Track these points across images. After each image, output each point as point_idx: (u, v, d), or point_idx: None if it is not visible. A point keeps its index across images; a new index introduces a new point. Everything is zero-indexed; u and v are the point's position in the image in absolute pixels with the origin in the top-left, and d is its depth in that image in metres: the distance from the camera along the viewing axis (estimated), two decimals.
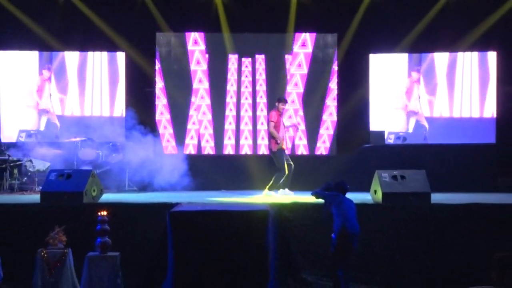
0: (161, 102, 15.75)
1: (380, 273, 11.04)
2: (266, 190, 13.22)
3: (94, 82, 15.75)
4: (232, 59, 15.83)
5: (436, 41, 15.40)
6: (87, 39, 15.74)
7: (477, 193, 13.46)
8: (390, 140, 15.64)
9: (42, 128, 15.81)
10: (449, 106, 15.60)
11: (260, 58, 15.81)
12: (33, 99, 15.91)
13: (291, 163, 13.38)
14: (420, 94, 15.54)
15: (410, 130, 15.68)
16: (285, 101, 13.49)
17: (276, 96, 14.47)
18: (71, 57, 15.82)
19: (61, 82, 15.88)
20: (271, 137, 13.47)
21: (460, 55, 15.50)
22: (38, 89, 15.90)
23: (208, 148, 15.78)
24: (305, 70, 15.80)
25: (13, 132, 15.62)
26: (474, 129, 15.50)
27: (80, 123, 15.30)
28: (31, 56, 15.85)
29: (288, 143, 13.63)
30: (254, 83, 15.71)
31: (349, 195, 10.14)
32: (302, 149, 15.76)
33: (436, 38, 15.38)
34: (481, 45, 15.38)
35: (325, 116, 15.56)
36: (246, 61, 15.81)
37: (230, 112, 15.82)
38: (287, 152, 13.58)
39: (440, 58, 15.62)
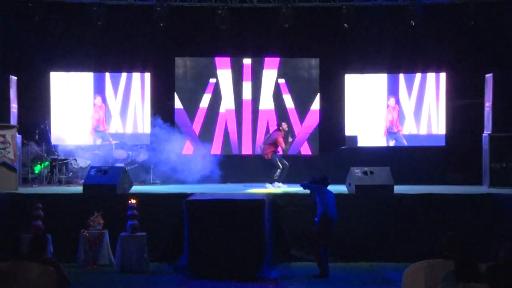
0: (179, 113, 15.45)
1: (353, 249, 11.08)
2: (268, 184, 13.30)
3: (130, 100, 15.31)
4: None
5: (400, 64, 15.22)
6: (119, 61, 15.39)
7: (430, 185, 13.37)
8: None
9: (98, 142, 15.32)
10: (416, 124, 15.25)
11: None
12: (88, 121, 15.26)
13: (286, 163, 13.39)
14: (395, 115, 15.28)
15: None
16: (285, 123, 13.85)
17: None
18: (108, 77, 15.38)
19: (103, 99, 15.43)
20: (267, 146, 13.50)
21: (418, 75, 15.25)
22: (92, 116, 15.25)
23: (216, 149, 15.51)
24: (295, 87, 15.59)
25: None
26: (429, 137, 15.32)
27: (118, 135, 15.16)
28: (81, 77, 15.23)
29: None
30: (256, 95, 15.55)
31: (329, 187, 10.23)
32: (292, 150, 15.60)
33: (399, 61, 15.20)
34: (432, 67, 15.20)
35: (309, 123, 15.39)
36: (247, 84, 15.59)
37: (233, 119, 15.52)
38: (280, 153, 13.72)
39: (405, 79, 15.30)
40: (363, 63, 15.21)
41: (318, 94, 15.31)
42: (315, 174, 10.64)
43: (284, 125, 13.57)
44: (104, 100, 15.29)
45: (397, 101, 15.21)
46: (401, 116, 15.30)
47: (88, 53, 15.15)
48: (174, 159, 14.22)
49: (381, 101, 15.31)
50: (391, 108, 15.20)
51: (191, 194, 11.23)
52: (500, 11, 14.72)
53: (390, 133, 15.27)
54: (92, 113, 15.21)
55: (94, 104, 15.24)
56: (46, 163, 14.21)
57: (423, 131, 15.26)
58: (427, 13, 14.82)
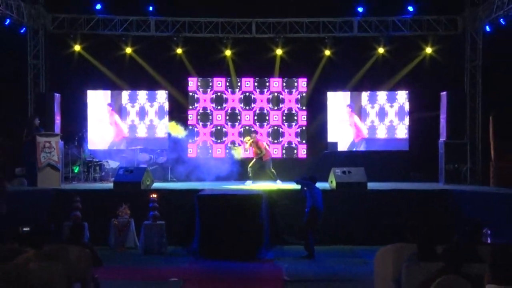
0: (193, 122, 15.43)
1: (335, 236, 11.08)
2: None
3: (152, 111, 15.36)
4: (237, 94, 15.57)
5: (373, 82, 15.19)
6: (137, 81, 15.36)
7: (396, 182, 13.36)
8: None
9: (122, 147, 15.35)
10: (386, 131, 15.27)
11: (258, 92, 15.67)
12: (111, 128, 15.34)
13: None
14: (357, 121, 15.21)
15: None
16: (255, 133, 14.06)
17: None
18: (126, 95, 15.35)
19: (123, 113, 15.39)
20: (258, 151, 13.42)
21: (382, 93, 15.28)
22: (111, 122, 15.26)
23: (218, 152, 15.45)
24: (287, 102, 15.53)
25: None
26: (396, 143, 15.34)
27: (140, 140, 15.15)
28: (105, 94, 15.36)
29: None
30: (255, 110, 15.53)
31: (317, 184, 10.21)
32: (285, 154, 15.56)
33: (372, 80, 15.16)
34: (398, 86, 15.27)
35: (299, 130, 15.40)
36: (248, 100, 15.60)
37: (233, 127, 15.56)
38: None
39: (376, 95, 15.31)
40: (343, 82, 15.17)
41: (305, 108, 15.35)
42: (305, 173, 10.65)
43: (253, 135, 13.55)
44: (123, 112, 15.34)
45: (366, 114, 15.20)
46: (371, 125, 15.26)
47: (118, 73, 15.14)
48: (188, 161, 14.20)
49: (354, 113, 15.22)
50: (359, 120, 15.25)
51: (202, 189, 11.19)
52: (453, 42, 14.75)
53: (361, 139, 15.24)
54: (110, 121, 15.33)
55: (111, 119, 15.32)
56: (82, 164, 14.16)
57: (391, 137, 15.22)
58: (394, 42, 14.86)
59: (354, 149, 15.18)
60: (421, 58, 14.95)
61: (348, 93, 15.24)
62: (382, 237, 10.07)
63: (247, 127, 15.35)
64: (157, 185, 12.55)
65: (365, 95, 15.28)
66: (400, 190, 11.71)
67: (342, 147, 15.19)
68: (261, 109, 15.49)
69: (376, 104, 15.31)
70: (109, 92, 15.37)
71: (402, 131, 15.24)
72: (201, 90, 15.46)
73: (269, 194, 11.23)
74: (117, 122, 15.25)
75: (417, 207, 11.08)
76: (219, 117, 15.47)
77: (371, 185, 11.86)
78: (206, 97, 15.48)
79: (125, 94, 15.40)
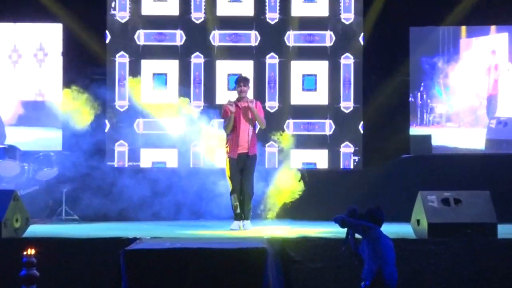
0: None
1: None
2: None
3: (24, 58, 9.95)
4: None
5: None
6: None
7: None
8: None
9: None
10: None
11: None
12: None
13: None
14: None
15: None
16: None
17: None
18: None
19: None
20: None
21: None
22: None
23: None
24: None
25: None
26: None
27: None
28: None
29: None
30: None
31: (384, 228, 6.14)
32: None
33: None
34: None
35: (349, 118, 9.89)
36: None
37: None
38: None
39: None
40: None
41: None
42: (355, 204, 6.53)
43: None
44: None
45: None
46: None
47: None
48: (108, 177, 8.98)
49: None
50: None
51: (135, 239, 7.31)
52: None
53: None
54: None
55: None
56: None
57: None
58: None
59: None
60: None
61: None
62: None
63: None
64: (36, 229, 7.87)
65: None
66: None
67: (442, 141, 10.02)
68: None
69: None
70: None
71: None
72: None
73: (280, 247, 7.38)
74: None
75: None
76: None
77: (505, 230, 7.41)
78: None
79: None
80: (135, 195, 8.93)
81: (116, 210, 8.96)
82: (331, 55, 9.90)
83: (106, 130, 9.51)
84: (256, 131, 8.02)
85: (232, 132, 7.73)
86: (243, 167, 7.74)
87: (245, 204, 7.80)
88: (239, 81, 7.85)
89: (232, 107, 7.66)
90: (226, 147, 7.85)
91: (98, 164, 8.99)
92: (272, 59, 10.06)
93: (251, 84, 8.10)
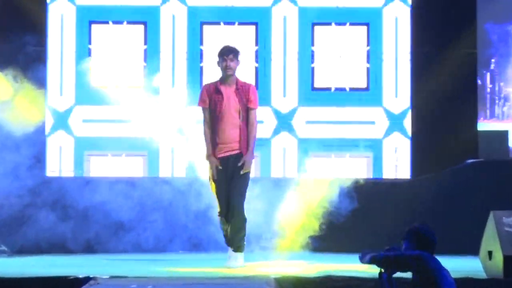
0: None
1: None
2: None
3: None
4: None
5: None
6: None
7: None
8: None
9: None
10: None
11: None
12: None
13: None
14: None
15: None
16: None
17: None
18: None
19: None
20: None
21: None
22: None
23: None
24: None
25: None
26: None
27: None
28: None
29: None
30: None
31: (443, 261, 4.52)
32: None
33: None
34: None
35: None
36: None
37: None
38: None
39: None
40: None
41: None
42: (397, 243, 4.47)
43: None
44: None
45: None
46: None
47: None
48: (52, 193, 7.10)
49: None
50: None
51: (89, 279, 5.37)
52: None
53: None
54: None
55: None
56: None
57: None
58: None
59: None
60: None
61: None
62: None
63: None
64: None
65: None
66: None
67: None
68: None
69: None
70: None
71: None
72: None
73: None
74: None
75: None
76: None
77: None
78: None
79: None
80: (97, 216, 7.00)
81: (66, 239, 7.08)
82: None
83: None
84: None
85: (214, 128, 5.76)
86: (232, 174, 5.75)
87: (235, 228, 5.77)
88: (224, 53, 5.79)
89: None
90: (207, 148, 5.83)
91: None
92: None
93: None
